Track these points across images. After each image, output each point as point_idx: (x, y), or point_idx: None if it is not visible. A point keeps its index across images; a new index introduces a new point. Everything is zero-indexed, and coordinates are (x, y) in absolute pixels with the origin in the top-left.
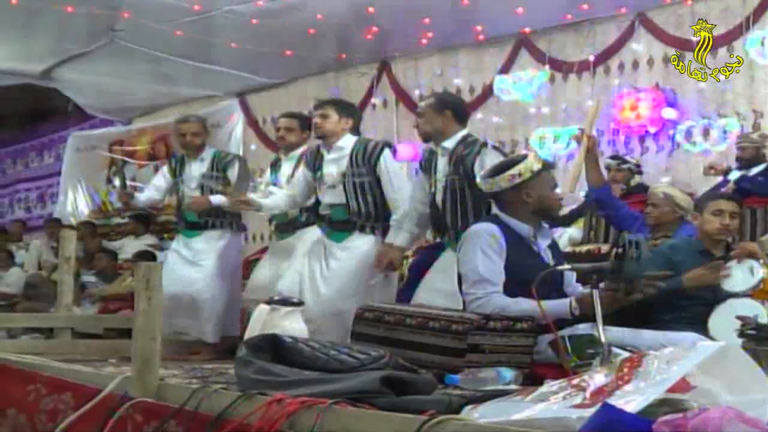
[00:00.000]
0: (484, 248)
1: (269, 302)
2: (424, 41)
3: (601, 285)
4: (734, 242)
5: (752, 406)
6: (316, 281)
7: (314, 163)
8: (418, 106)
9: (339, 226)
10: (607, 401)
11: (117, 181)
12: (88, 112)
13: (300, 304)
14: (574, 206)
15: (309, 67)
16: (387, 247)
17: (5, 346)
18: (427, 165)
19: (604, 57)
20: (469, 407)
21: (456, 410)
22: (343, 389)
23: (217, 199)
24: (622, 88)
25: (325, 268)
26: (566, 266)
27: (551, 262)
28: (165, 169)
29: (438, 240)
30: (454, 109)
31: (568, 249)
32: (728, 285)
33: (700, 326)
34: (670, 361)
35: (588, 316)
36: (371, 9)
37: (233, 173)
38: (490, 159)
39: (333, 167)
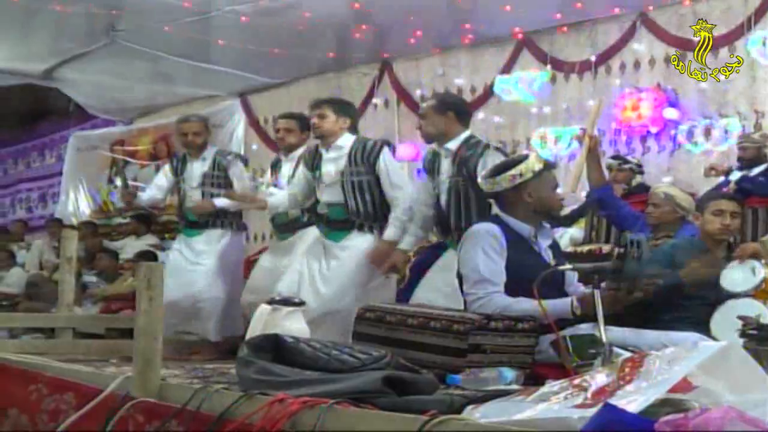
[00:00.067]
0: (485, 248)
1: (271, 302)
2: (426, 41)
3: (603, 285)
4: (735, 242)
5: (754, 406)
6: (315, 280)
7: (313, 162)
8: (420, 107)
9: (337, 225)
10: (609, 401)
11: (118, 181)
12: (89, 112)
13: (301, 304)
14: (575, 206)
15: (310, 67)
16: (386, 245)
17: (7, 346)
18: (430, 166)
19: (605, 57)
20: (470, 407)
21: (457, 410)
22: (344, 389)
23: (220, 202)
24: (623, 88)
25: (325, 267)
26: (567, 266)
27: (552, 262)
28: (167, 168)
29: (441, 240)
30: (457, 110)
31: (570, 249)
32: (730, 285)
33: (702, 326)
34: (671, 361)
35: (589, 316)
36: (372, 9)
37: (235, 172)
38: (493, 160)
39: (331, 166)
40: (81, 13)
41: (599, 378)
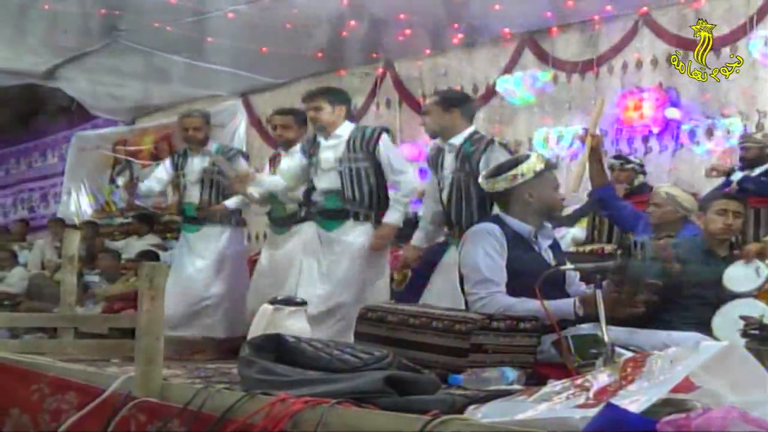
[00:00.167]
0: (486, 248)
1: (272, 302)
2: (428, 40)
3: (604, 284)
4: (738, 242)
5: (756, 406)
6: (314, 279)
7: (310, 149)
8: (423, 104)
9: (332, 214)
10: (611, 401)
11: (120, 181)
12: (91, 112)
13: (303, 303)
14: (577, 206)
15: (312, 67)
16: (387, 228)
17: (8, 346)
18: (433, 161)
19: (607, 57)
20: (472, 407)
21: (459, 410)
22: (346, 389)
23: (232, 203)
24: (625, 88)
25: (323, 265)
26: (569, 266)
27: (552, 262)
28: (167, 162)
29: (440, 241)
30: (461, 106)
31: (572, 249)
32: (733, 285)
33: (704, 326)
34: (673, 361)
35: (592, 316)
36: (373, 9)
37: (237, 168)
38: (497, 156)
39: (329, 153)
40: (82, 12)
41: (601, 378)
